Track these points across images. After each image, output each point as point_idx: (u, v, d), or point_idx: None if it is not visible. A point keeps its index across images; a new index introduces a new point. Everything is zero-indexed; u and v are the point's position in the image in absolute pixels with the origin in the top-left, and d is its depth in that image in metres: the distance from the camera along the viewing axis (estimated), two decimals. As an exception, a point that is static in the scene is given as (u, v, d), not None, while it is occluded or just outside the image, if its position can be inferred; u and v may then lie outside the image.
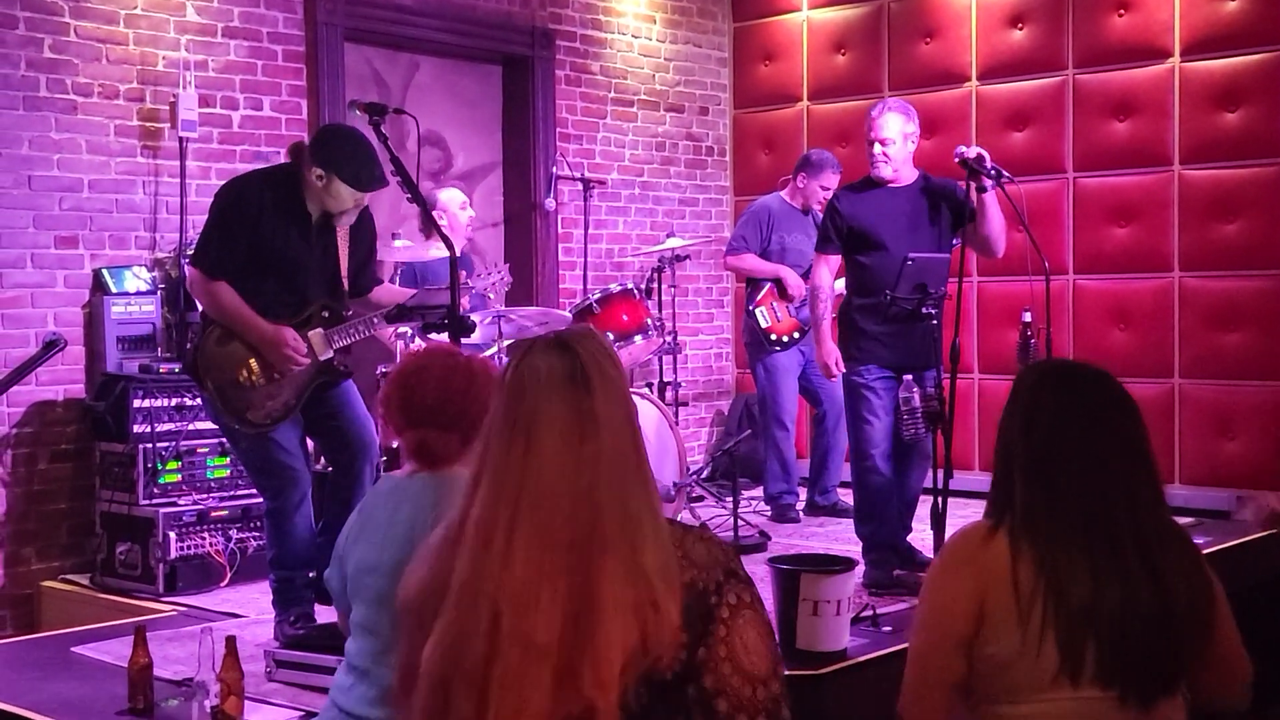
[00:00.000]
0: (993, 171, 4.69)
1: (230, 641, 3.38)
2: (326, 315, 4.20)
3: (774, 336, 6.27)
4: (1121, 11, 6.67)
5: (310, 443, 4.63)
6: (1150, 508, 2.11)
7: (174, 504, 5.04)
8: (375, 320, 4.21)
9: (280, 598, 4.19)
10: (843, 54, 7.64)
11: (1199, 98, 6.48)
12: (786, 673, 1.85)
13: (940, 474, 4.49)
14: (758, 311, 6.31)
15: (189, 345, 4.59)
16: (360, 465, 4.27)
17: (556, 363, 1.84)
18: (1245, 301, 6.38)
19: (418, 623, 1.83)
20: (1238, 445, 6.42)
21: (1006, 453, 2.17)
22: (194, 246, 4.25)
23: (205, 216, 5.57)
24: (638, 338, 5.83)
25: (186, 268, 4.49)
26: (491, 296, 5.47)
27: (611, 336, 5.69)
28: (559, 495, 1.76)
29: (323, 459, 4.87)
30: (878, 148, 4.92)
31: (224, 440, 5.14)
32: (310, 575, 4.20)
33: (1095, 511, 2.08)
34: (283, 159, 5.88)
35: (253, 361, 4.10)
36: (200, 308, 4.29)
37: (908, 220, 4.88)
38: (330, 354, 4.18)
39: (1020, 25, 7.00)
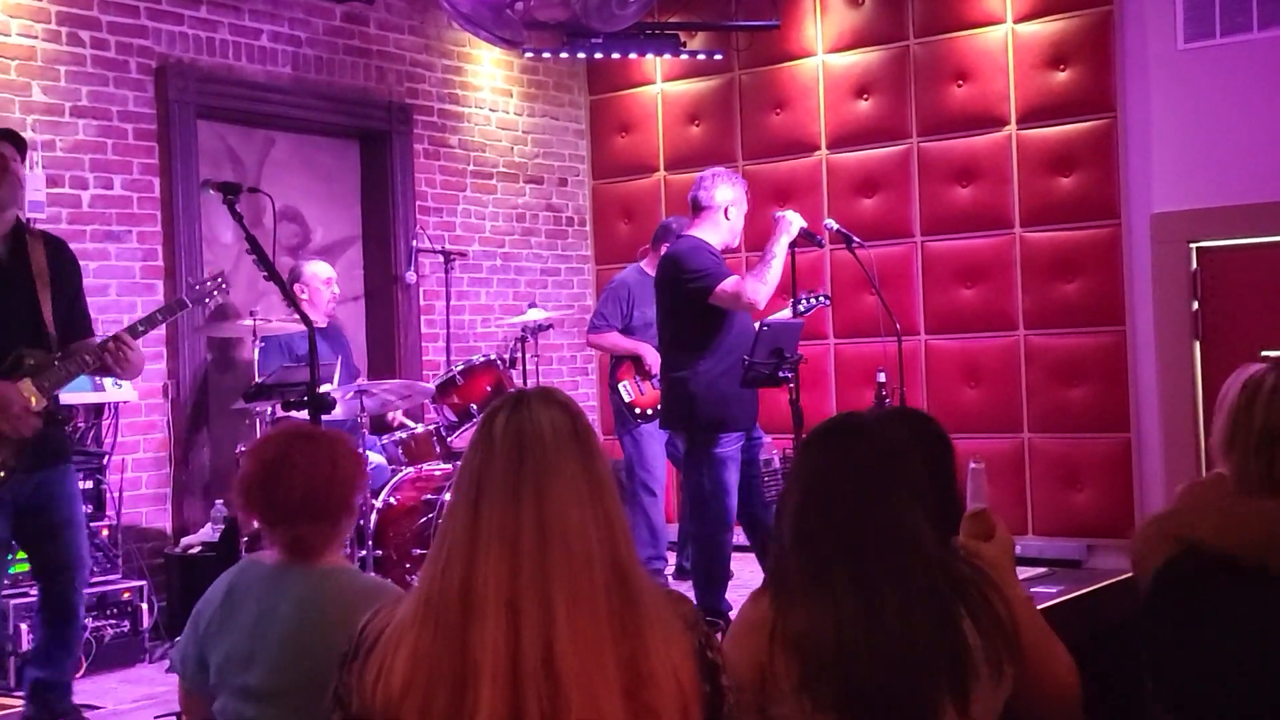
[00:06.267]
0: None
1: (85, 736, 3.29)
2: (32, 363, 3.95)
3: (638, 410, 6.35)
4: (960, 83, 6.96)
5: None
6: (908, 550, 2.12)
7: (25, 594, 4.88)
8: (86, 359, 3.99)
9: None
10: (697, 125, 7.82)
11: (1035, 163, 6.77)
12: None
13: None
14: (620, 386, 6.38)
15: None
16: (73, 593, 4.11)
17: (560, 418, 1.77)
18: (1087, 357, 6.65)
19: (421, 709, 1.69)
20: (1086, 496, 6.66)
21: (777, 515, 2.27)
22: None
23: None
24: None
25: None
26: (208, 302, 4.80)
27: (474, 409, 5.70)
28: (590, 561, 1.70)
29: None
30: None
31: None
32: None
33: (844, 559, 2.12)
34: (135, 240, 5.87)
35: None
36: None
37: None
38: (45, 402, 3.95)
39: (866, 96, 7.25)
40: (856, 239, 5.56)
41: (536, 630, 1.66)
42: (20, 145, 4.05)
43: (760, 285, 4.88)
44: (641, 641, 1.69)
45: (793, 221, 5.05)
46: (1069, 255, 6.69)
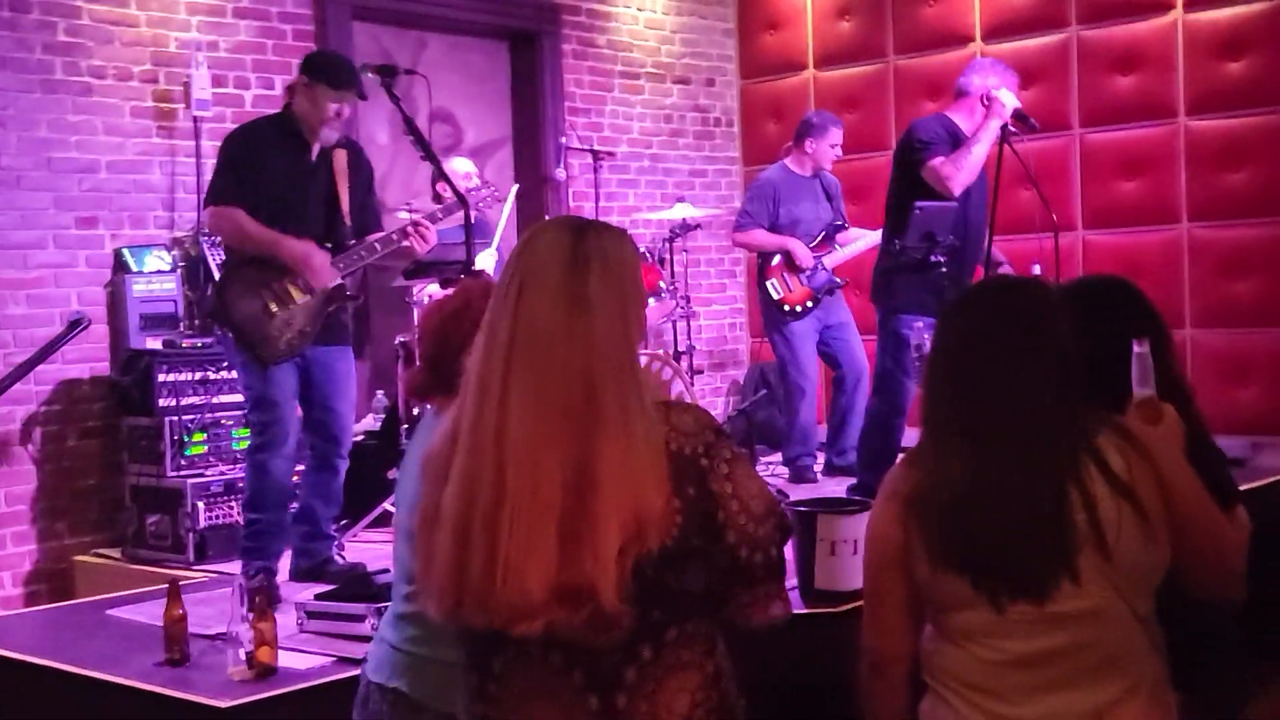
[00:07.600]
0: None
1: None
2: (329, 246, 4.36)
3: (787, 307, 6.31)
4: (1123, -34, 6.70)
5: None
6: (1027, 413, 2.08)
7: (201, 475, 5.11)
8: (376, 246, 4.36)
9: (252, 544, 4.30)
10: (847, 20, 7.68)
11: (1202, 49, 6.51)
12: (807, 612, 1.91)
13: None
14: (769, 284, 6.34)
15: (209, 291, 4.73)
16: (336, 459, 4.49)
17: (564, 240, 1.90)
18: (1253, 249, 6.41)
19: (436, 473, 1.90)
20: (1251, 393, 6.46)
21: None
22: (207, 192, 4.44)
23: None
24: (650, 300, 5.89)
25: (204, 213, 4.66)
26: (483, 207, 5.23)
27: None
28: (551, 358, 1.82)
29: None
30: None
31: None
32: (286, 522, 4.38)
33: (962, 419, 2.11)
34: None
35: (265, 292, 4.27)
36: (220, 256, 4.45)
37: None
38: (338, 279, 4.35)
39: (1022, -16, 7.04)
40: (1031, 122, 5.26)
41: (494, 408, 1.82)
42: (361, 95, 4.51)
43: (956, 170, 4.77)
44: (595, 447, 1.78)
45: (1006, 104, 4.90)
46: (1236, 144, 6.43)
